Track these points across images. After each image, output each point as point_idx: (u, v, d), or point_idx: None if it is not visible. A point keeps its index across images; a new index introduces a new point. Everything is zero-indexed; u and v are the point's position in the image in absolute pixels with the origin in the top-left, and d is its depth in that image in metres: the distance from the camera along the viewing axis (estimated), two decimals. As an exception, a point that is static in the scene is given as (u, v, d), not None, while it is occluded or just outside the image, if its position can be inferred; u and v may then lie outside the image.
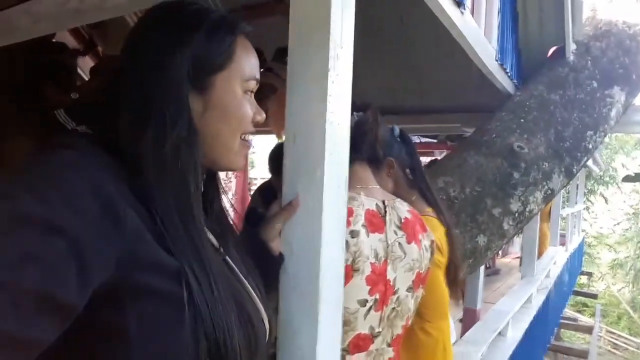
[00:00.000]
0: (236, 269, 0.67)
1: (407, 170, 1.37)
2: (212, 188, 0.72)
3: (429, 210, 1.34)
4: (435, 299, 1.19)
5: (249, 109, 0.66)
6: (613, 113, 2.58)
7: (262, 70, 2.28)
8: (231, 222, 0.76)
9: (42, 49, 2.44)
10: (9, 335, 0.39)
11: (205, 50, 0.61)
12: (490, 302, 3.16)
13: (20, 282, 0.40)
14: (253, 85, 0.67)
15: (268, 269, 0.83)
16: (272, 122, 2.40)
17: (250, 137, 0.70)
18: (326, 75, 0.80)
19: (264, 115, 0.68)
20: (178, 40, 0.59)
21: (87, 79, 2.73)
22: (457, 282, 1.30)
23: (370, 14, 2.38)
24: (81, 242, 0.44)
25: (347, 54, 0.85)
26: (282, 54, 2.14)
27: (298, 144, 0.84)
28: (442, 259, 1.22)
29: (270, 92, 2.25)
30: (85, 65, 2.93)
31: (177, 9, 0.63)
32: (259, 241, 0.83)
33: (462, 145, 2.64)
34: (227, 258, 0.66)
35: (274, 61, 2.17)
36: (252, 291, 0.67)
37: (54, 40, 2.63)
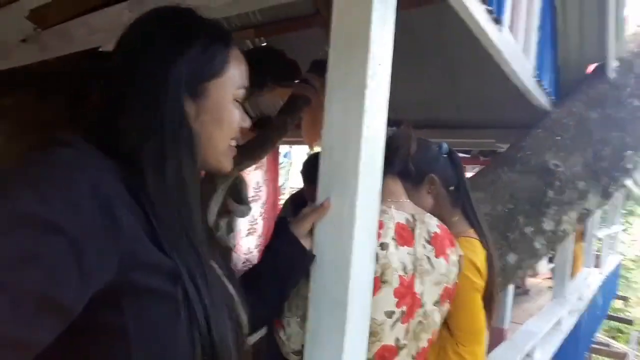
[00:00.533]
0: (219, 271, 0.70)
1: (451, 189, 1.35)
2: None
3: (471, 231, 1.33)
4: (471, 323, 1.18)
5: (238, 115, 0.70)
6: (655, 133, 2.50)
7: (297, 81, 2.32)
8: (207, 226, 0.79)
9: (92, 55, 2.54)
10: (8, 335, 0.40)
11: (202, 59, 0.64)
12: (518, 323, 3.09)
13: (20, 283, 0.41)
14: (243, 94, 0.70)
15: (300, 262, 0.86)
16: (305, 133, 2.44)
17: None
18: (364, 91, 0.82)
19: (249, 121, 0.72)
20: (177, 48, 0.62)
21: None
22: (492, 307, 1.28)
23: (408, 27, 2.39)
24: (82, 243, 0.45)
25: (385, 70, 0.88)
26: (317, 66, 2.17)
27: (334, 156, 0.86)
28: (481, 282, 1.21)
29: (304, 103, 2.29)
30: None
31: (173, 16, 0.66)
32: (290, 235, 0.86)
33: (495, 161, 2.61)
34: (212, 261, 0.67)
35: (309, 72, 2.21)
36: (231, 289, 0.71)
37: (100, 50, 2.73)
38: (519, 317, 3.29)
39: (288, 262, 0.85)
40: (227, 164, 0.71)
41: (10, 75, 2.16)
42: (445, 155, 1.33)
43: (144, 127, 0.59)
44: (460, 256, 1.12)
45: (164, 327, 0.53)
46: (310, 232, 0.87)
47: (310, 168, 1.60)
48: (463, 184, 1.35)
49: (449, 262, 1.06)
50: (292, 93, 2.34)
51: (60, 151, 0.51)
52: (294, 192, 2.61)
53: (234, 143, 0.72)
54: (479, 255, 1.25)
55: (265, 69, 2.28)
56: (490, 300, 1.28)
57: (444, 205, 1.33)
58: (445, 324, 1.19)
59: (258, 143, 2.71)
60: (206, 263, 0.61)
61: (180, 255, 0.56)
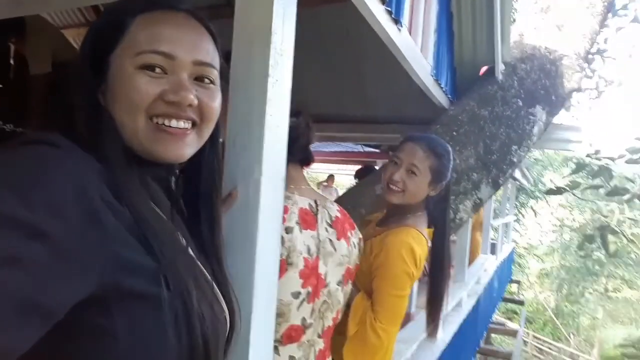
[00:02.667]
0: (202, 267, 0.66)
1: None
2: (190, 183, 0.70)
3: (426, 230, 1.37)
4: (394, 305, 1.25)
5: (145, 85, 0.57)
6: (535, 130, 2.81)
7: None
8: (209, 219, 0.72)
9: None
10: None
11: (101, 33, 0.60)
12: (423, 308, 3.31)
13: (0, 286, 0.40)
14: (155, 59, 0.58)
15: None
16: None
17: (179, 122, 0.60)
18: (266, 80, 0.86)
19: (187, 94, 0.58)
20: (89, 31, 0.61)
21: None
22: (435, 309, 1.38)
23: (316, 24, 2.47)
24: (65, 247, 0.44)
25: (287, 61, 0.92)
26: (228, 57, 2.16)
27: (238, 143, 0.89)
28: (415, 271, 1.26)
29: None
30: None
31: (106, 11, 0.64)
32: None
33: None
34: (191, 252, 0.64)
35: (224, 64, 2.19)
36: (217, 289, 0.67)
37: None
38: (424, 302, 3.53)
39: None
40: (157, 149, 0.59)
41: None
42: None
43: (72, 117, 0.57)
44: (359, 239, 1.19)
45: (152, 329, 0.52)
46: None
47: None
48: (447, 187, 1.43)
49: (350, 244, 1.13)
50: None
51: (44, 151, 0.48)
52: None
53: (165, 121, 0.59)
54: (421, 247, 1.29)
55: None
56: (433, 299, 1.38)
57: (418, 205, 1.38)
58: (370, 296, 1.25)
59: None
60: (180, 258, 0.58)
61: (159, 252, 0.53)
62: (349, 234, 1.13)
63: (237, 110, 0.89)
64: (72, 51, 2.79)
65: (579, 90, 2.97)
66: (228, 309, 0.67)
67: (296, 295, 1.00)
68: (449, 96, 2.76)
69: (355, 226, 1.19)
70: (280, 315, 0.97)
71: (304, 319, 1.03)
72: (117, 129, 0.57)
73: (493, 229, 6.17)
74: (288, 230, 0.99)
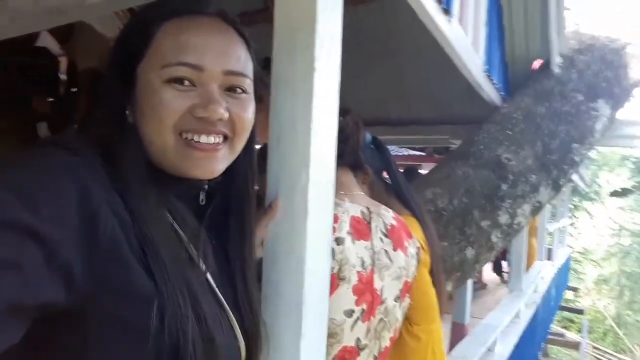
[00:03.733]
0: (217, 289, 0.60)
1: (383, 176, 1.34)
2: (224, 197, 0.66)
3: (406, 212, 1.31)
4: (422, 300, 1.14)
5: (173, 100, 0.54)
6: (598, 126, 2.59)
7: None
8: (239, 234, 0.67)
9: (25, 52, 2.41)
10: None
11: (127, 43, 0.57)
12: (478, 317, 3.13)
13: None
14: (182, 72, 0.54)
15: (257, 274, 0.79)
16: (259, 133, 2.37)
17: (210, 137, 0.56)
18: (312, 74, 0.77)
19: (216, 108, 0.54)
20: (117, 42, 0.59)
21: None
22: (439, 285, 1.26)
23: (356, 24, 2.38)
24: (56, 249, 0.43)
25: (334, 55, 0.83)
26: (270, 63, 2.11)
27: (282, 145, 0.80)
28: (425, 257, 1.18)
29: (257, 102, 2.22)
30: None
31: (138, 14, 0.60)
32: None
33: (450, 157, 2.63)
34: (209, 277, 0.59)
35: (263, 70, 2.15)
36: (231, 313, 0.61)
37: (36, 45, 2.60)
38: (479, 312, 3.34)
39: None
40: (188, 166, 0.56)
41: None
42: (371, 145, 1.31)
43: (101, 130, 0.56)
44: (418, 248, 1.08)
45: (127, 357, 0.48)
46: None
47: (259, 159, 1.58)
48: (393, 169, 1.34)
49: (408, 254, 1.02)
50: None
51: (53, 153, 0.47)
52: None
53: (195, 137, 0.55)
54: (418, 232, 1.23)
55: None
56: (435, 278, 1.26)
57: (379, 193, 1.31)
58: None
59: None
60: (178, 280, 0.52)
61: (157, 272, 0.50)
62: (405, 243, 1.02)
63: (279, 110, 0.81)
64: None
65: (646, 81, 2.72)
66: (246, 336, 0.62)
67: (349, 313, 0.90)
68: (502, 93, 2.59)
69: (413, 235, 1.08)
70: (331, 335, 0.88)
71: (358, 340, 0.92)
72: (142, 146, 0.55)
73: (548, 233, 5.83)
74: (339, 241, 0.89)
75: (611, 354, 13.39)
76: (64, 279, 0.43)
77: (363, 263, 0.92)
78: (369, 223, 0.97)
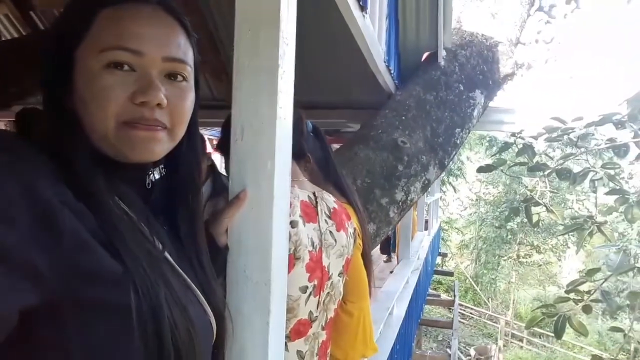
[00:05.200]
0: (177, 267, 0.61)
1: (321, 164, 1.42)
2: (169, 183, 0.67)
3: (343, 199, 1.42)
4: (355, 279, 1.27)
5: (114, 88, 0.53)
6: (475, 113, 2.97)
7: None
8: (188, 218, 0.68)
9: None
10: None
11: (67, 26, 0.56)
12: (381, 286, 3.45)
13: None
14: (121, 56, 0.53)
15: (215, 262, 0.83)
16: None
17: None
18: (276, 72, 0.82)
19: (156, 93, 0.54)
20: (55, 22, 0.58)
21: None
22: (369, 265, 1.40)
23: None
24: (14, 254, 0.41)
25: (292, 50, 0.88)
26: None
27: (246, 138, 0.84)
28: (359, 241, 1.30)
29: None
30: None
31: None
32: (207, 235, 0.81)
33: (352, 140, 2.81)
34: (167, 255, 0.60)
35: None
36: (197, 290, 0.62)
37: None
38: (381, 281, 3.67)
39: None
40: (131, 152, 0.55)
41: None
42: (311, 133, 1.39)
43: (42, 117, 0.56)
44: (354, 229, 1.20)
45: (112, 345, 0.48)
46: None
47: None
48: (330, 157, 1.44)
49: (348, 234, 1.13)
50: None
51: None
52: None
53: (136, 120, 0.54)
54: (354, 218, 1.35)
55: None
56: (366, 258, 1.40)
57: (318, 180, 1.40)
58: None
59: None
60: (144, 258, 0.53)
61: (128, 257, 0.50)
62: (346, 224, 1.13)
63: (243, 104, 0.85)
64: None
65: (512, 75, 3.17)
66: (214, 313, 0.63)
67: (304, 289, 0.98)
68: (396, 81, 2.83)
69: (350, 216, 1.19)
70: (289, 311, 0.96)
71: (311, 313, 1.02)
72: (82, 131, 0.55)
73: (425, 207, 6.48)
74: (293, 224, 0.97)
75: (471, 308, 15.38)
76: (29, 278, 0.42)
77: (313, 243, 1.01)
78: (315, 207, 1.06)
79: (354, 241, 1.19)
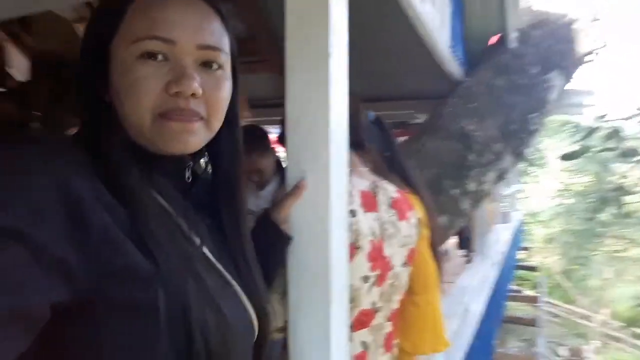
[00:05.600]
0: (217, 263, 0.60)
1: (385, 154, 1.40)
2: (214, 172, 0.66)
3: (408, 190, 1.39)
4: (421, 271, 1.23)
5: (149, 79, 0.52)
6: (551, 96, 2.78)
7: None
8: (231, 212, 0.67)
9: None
10: None
11: (101, 20, 0.56)
12: (447, 281, 3.33)
13: None
14: (154, 46, 0.52)
15: (276, 250, 0.85)
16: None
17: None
18: (327, 62, 0.82)
19: (190, 82, 0.53)
20: (91, 18, 0.58)
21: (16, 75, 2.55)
22: (438, 257, 1.36)
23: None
24: (45, 249, 0.42)
25: (342, 41, 0.88)
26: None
27: (300, 129, 0.85)
28: (425, 232, 1.27)
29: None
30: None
31: None
32: (270, 223, 0.83)
33: (419, 131, 2.75)
34: (206, 251, 0.59)
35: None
36: (237, 286, 0.61)
37: None
38: (450, 277, 3.55)
39: (270, 249, 0.83)
40: (166, 145, 0.55)
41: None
42: (373, 123, 1.37)
43: (79, 113, 0.56)
44: (418, 219, 1.17)
45: (143, 343, 0.48)
46: None
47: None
48: (395, 147, 1.41)
49: (410, 224, 1.11)
50: None
51: (27, 147, 0.46)
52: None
53: (171, 111, 0.53)
54: (418, 208, 1.29)
55: None
56: (434, 249, 1.36)
57: (382, 171, 1.38)
58: None
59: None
60: (193, 264, 0.53)
61: (159, 254, 0.49)
62: (408, 214, 1.11)
63: (296, 95, 0.86)
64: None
65: (590, 54, 2.92)
66: (255, 311, 0.62)
67: (366, 279, 0.98)
68: (463, 68, 2.72)
69: (413, 206, 1.17)
70: (351, 300, 0.95)
71: (374, 303, 1.01)
72: (118, 124, 0.54)
73: (503, 198, 6.17)
74: (353, 213, 0.96)
75: (560, 306, 14.40)
76: (60, 274, 0.43)
77: (374, 233, 1.00)
78: (375, 196, 1.05)
79: (418, 231, 1.16)
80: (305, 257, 0.86)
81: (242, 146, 0.68)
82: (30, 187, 0.43)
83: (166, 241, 0.51)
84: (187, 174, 0.62)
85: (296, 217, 0.86)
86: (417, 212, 1.18)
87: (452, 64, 2.41)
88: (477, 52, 2.90)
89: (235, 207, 0.66)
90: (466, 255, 3.98)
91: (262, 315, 0.62)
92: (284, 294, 0.87)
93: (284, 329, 0.88)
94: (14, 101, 2.35)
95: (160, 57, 0.53)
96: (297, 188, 0.83)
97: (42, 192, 0.43)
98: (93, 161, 0.50)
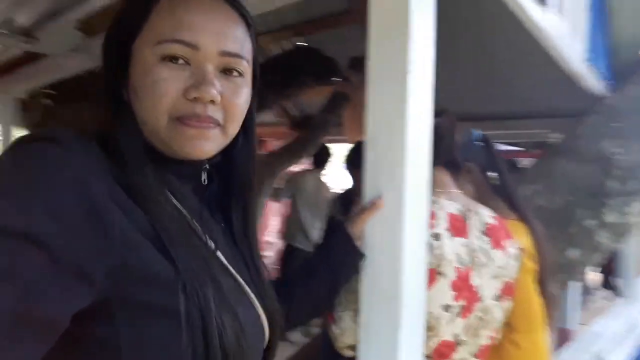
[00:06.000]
0: (230, 267, 0.59)
1: (490, 175, 1.31)
2: (224, 176, 0.66)
3: (513, 216, 1.27)
4: (524, 308, 1.11)
5: (168, 82, 0.52)
6: None
7: (336, 79, 2.32)
8: (242, 218, 0.67)
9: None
10: None
11: (126, 17, 0.56)
12: (584, 324, 2.91)
13: None
14: (177, 49, 0.52)
15: (353, 261, 0.84)
16: (347, 130, 2.44)
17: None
18: (405, 78, 0.80)
19: (209, 89, 0.53)
20: (116, 15, 0.58)
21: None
22: (548, 294, 1.21)
23: (444, 17, 2.34)
24: (65, 254, 0.41)
25: (428, 57, 0.85)
26: (356, 62, 2.15)
27: (378, 144, 0.84)
28: (531, 265, 1.14)
29: (345, 100, 2.29)
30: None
31: None
32: (345, 234, 0.84)
33: (551, 152, 2.49)
34: (220, 255, 0.59)
35: (348, 70, 2.21)
36: (250, 291, 0.60)
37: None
38: (584, 318, 3.11)
39: (342, 261, 0.84)
40: (181, 147, 0.54)
41: (67, 85, 2.27)
42: (478, 142, 1.28)
43: (99, 113, 0.56)
44: (518, 249, 1.06)
45: (163, 343, 0.48)
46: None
47: (354, 155, 1.63)
48: (501, 168, 1.30)
49: (507, 254, 1.01)
50: (332, 91, 2.34)
51: (45, 148, 0.45)
52: (342, 191, 2.61)
53: (188, 116, 0.53)
54: (524, 238, 1.18)
55: (305, 68, 2.31)
56: (543, 285, 1.21)
57: (485, 192, 1.28)
58: None
59: (300, 142, 2.73)
60: (209, 266, 0.53)
61: (179, 257, 0.49)
62: (504, 243, 1.01)
63: (374, 110, 0.85)
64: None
65: None
66: (267, 316, 0.61)
67: (447, 308, 0.91)
68: (606, 82, 2.40)
69: (513, 234, 1.06)
70: (429, 328, 0.90)
71: (456, 335, 0.94)
72: (134, 124, 0.54)
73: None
74: (437, 237, 0.91)
75: None
76: (81, 279, 0.42)
77: (461, 260, 0.93)
78: (466, 220, 0.98)
79: (519, 263, 1.05)
80: (376, 277, 0.84)
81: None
82: (49, 190, 0.42)
83: (184, 244, 0.51)
84: (204, 177, 0.62)
85: (370, 235, 0.85)
86: (518, 242, 1.07)
87: (590, 79, 2.15)
88: (625, 64, 2.55)
89: (244, 211, 0.66)
90: (608, 296, 3.44)
91: (273, 321, 0.62)
92: (356, 312, 0.86)
93: (354, 347, 0.86)
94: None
95: (181, 61, 0.53)
96: (374, 204, 0.82)
97: (60, 195, 0.42)
98: (111, 161, 0.50)
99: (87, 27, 1.70)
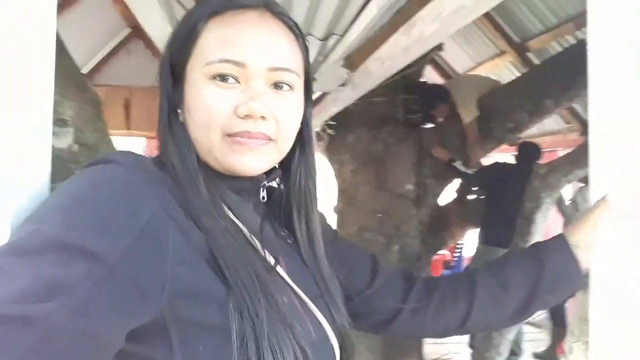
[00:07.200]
0: (293, 283, 0.57)
1: None
2: (287, 189, 0.66)
3: None
4: None
5: (218, 101, 0.53)
6: None
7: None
8: (306, 231, 0.65)
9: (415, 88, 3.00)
10: None
11: (177, 42, 0.57)
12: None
13: (49, 316, 0.38)
14: (225, 69, 0.53)
15: (569, 280, 0.67)
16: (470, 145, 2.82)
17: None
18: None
19: (258, 105, 0.53)
20: (169, 39, 0.59)
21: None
22: None
23: None
24: (121, 270, 0.42)
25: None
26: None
27: (607, 137, 0.64)
28: None
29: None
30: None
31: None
32: (564, 246, 0.66)
33: None
34: (281, 271, 0.57)
35: None
36: (315, 308, 0.58)
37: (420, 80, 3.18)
38: None
39: (552, 275, 0.67)
40: (233, 164, 0.55)
41: (347, 115, 2.69)
42: None
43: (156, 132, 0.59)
44: None
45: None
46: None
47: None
48: None
49: None
50: None
51: (103, 168, 0.48)
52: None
53: (240, 134, 0.54)
54: None
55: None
56: None
57: None
58: None
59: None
60: (265, 284, 0.52)
61: (231, 275, 0.49)
62: None
63: (602, 98, 0.66)
64: (494, 84, 3.05)
65: None
66: (336, 333, 0.58)
67: None
68: None
69: None
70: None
71: None
72: (191, 144, 0.56)
73: None
74: None
75: None
76: (136, 294, 0.43)
77: None
78: None
79: None
80: (611, 302, 0.63)
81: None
82: (106, 207, 0.44)
83: (238, 261, 0.50)
84: (262, 193, 0.62)
85: (606, 246, 0.65)
86: None
87: None
88: None
89: (308, 227, 0.65)
90: None
91: (342, 336, 0.59)
92: (587, 344, 0.68)
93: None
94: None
95: (230, 79, 0.54)
96: (604, 202, 0.61)
97: (117, 212, 0.44)
98: (169, 181, 0.52)
99: (349, 63, 1.97)
